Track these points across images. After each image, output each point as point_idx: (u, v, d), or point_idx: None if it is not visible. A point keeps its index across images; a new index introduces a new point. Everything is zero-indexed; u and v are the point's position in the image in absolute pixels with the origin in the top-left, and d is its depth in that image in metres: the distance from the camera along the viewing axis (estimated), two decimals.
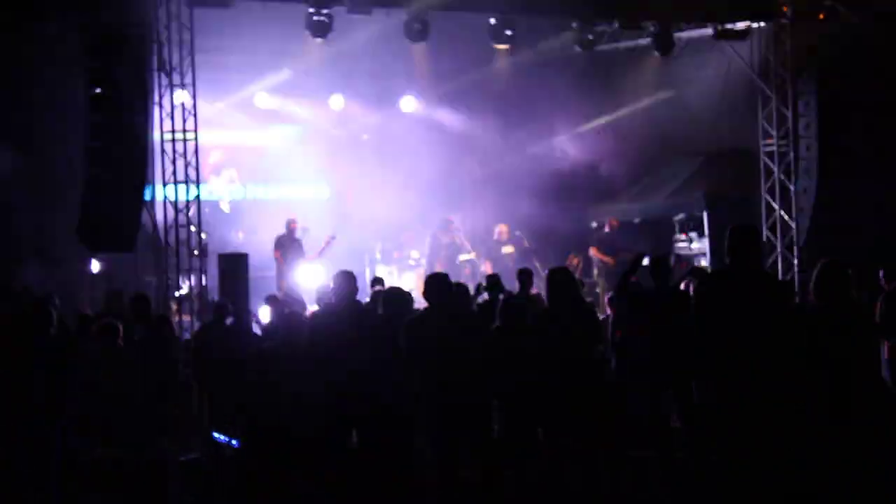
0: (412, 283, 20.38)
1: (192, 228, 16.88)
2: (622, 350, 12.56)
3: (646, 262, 10.81)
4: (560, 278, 9.36)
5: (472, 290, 12.65)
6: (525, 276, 13.05)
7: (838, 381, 7.34)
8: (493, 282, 12.91)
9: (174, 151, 16.87)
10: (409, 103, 23.67)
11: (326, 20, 17.75)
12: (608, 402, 9.60)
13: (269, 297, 14.55)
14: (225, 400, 13.22)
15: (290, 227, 19.42)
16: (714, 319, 7.35)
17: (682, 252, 20.55)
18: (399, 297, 10.88)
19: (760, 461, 7.30)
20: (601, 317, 12.95)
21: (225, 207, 22.82)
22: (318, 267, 19.33)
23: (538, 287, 17.08)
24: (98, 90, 15.28)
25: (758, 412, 7.20)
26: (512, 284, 14.25)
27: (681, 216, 21.34)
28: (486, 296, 13.33)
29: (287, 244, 19.21)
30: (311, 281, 18.71)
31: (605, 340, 12.14)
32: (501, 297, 11.71)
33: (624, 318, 12.66)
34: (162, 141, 16.87)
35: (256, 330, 14.02)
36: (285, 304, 13.12)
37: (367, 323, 9.25)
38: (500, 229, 21.21)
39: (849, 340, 7.38)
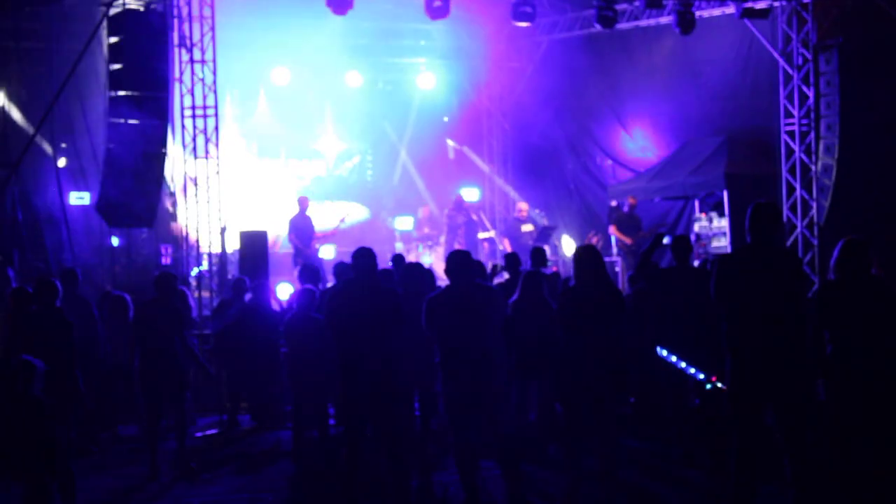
0: (432, 260, 20.43)
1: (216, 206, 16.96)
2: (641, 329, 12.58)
3: (666, 241, 10.77)
4: (587, 256, 9.34)
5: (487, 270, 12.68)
6: (537, 255, 13.02)
7: (861, 356, 7.33)
8: (512, 261, 12.92)
9: (194, 127, 16.91)
10: (427, 79, 23.63)
11: None
12: (626, 379, 9.58)
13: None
14: (242, 374, 13.33)
15: (302, 206, 19.45)
16: (734, 296, 7.35)
17: (702, 231, 20.49)
18: (419, 273, 10.91)
19: (778, 434, 7.33)
20: None
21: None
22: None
23: (557, 265, 17.12)
24: (118, 65, 15.30)
25: (775, 387, 7.21)
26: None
27: (701, 195, 21.27)
28: (504, 276, 13.34)
29: (300, 224, 19.24)
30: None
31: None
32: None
33: (642, 297, 12.67)
34: (182, 116, 16.92)
35: (274, 307, 14.07)
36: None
37: (383, 299, 9.25)
38: (521, 207, 21.21)
39: (871, 316, 7.37)
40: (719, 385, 9.24)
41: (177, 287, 12.13)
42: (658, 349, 10.10)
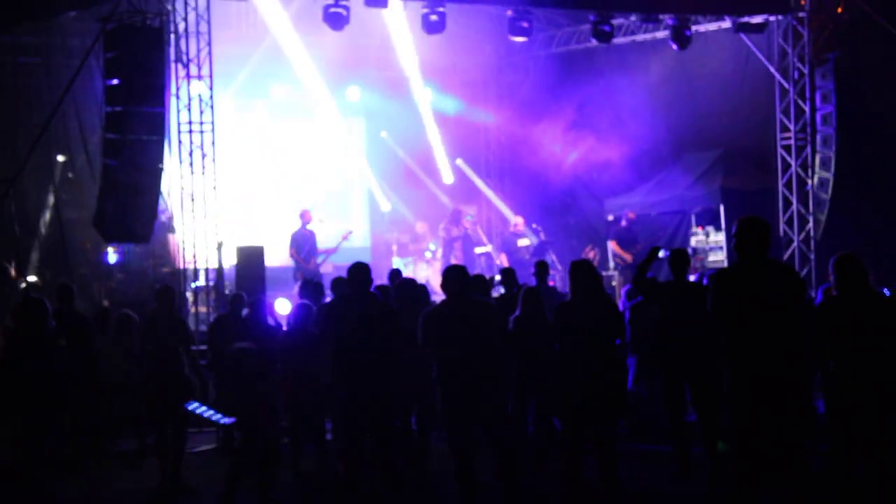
0: (428, 275, 20.40)
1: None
2: (636, 343, 12.57)
3: (662, 254, 10.77)
4: (582, 270, 9.36)
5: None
6: (541, 268, 13.06)
7: (864, 370, 7.34)
8: (508, 276, 12.93)
9: (191, 143, 16.92)
10: (425, 94, 23.66)
11: (343, 12, 17.79)
12: (623, 394, 9.58)
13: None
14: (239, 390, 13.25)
15: (304, 220, 19.39)
16: (732, 311, 7.31)
17: (699, 245, 20.51)
18: (412, 288, 10.90)
19: (777, 449, 7.29)
20: None
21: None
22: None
23: (554, 280, 17.09)
24: (115, 81, 15.30)
25: (774, 402, 7.18)
26: (527, 277, 14.22)
27: (697, 209, 21.30)
28: (501, 289, 13.35)
29: (301, 238, 19.18)
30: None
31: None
32: (516, 290, 11.77)
33: (638, 312, 12.65)
34: (179, 132, 16.93)
35: (271, 322, 14.03)
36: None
37: (377, 313, 9.24)
38: (517, 222, 21.21)
39: (873, 330, 7.37)
40: None
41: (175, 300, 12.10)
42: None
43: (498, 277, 13.91)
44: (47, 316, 9.57)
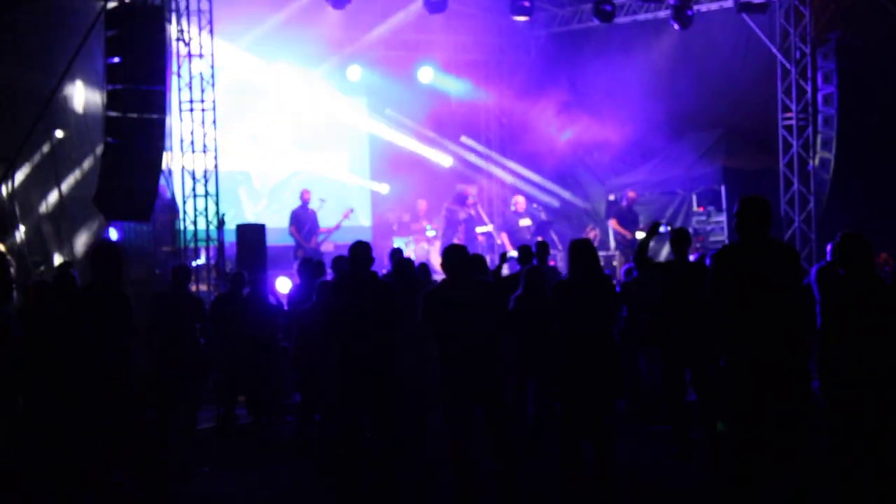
0: (428, 254, 20.38)
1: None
2: (633, 323, 12.57)
3: (662, 230, 10.74)
4: (581, 249, 9.34)
5: (489, 262, 12.67)
6: (542, 248, 13.05)
7: (870, 355, 7.31)
8: (525, 253, 12.88)
9: (192, 121, 16.92)
10: (426, 74, 23.60)
11: None
12: (620, 375, 9.58)
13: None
14: (240, 368, 13.28)
15: (304, 199, 19.40)
16: (731, 291, 7.31)
17: (700, 226, 20.50)
18: (410, 268, 10.90)
19: (775, 431, 7.28)
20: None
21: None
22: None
23: (555, 259, 17.07)
24: (116, 59, 15.30)
25: (773, 382, 7.18)
26: None
27: (699, 189, 21.28)
28: (505, 269, 13.34)
29: (302, 217, 19.20)
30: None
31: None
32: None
33: (634, 292, 12.64)
34: (180, 111, 16.94)
35: (272, 300, 14.05)
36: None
37: (377, 292, 9.24)
38: (517, 201, 21.17)
39: (878, 309, 7.35)
40: None
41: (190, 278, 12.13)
42: None
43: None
44: (76, 290, 9.60)
